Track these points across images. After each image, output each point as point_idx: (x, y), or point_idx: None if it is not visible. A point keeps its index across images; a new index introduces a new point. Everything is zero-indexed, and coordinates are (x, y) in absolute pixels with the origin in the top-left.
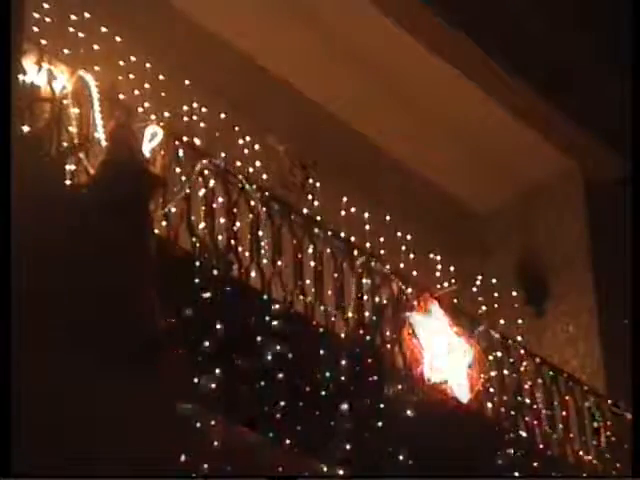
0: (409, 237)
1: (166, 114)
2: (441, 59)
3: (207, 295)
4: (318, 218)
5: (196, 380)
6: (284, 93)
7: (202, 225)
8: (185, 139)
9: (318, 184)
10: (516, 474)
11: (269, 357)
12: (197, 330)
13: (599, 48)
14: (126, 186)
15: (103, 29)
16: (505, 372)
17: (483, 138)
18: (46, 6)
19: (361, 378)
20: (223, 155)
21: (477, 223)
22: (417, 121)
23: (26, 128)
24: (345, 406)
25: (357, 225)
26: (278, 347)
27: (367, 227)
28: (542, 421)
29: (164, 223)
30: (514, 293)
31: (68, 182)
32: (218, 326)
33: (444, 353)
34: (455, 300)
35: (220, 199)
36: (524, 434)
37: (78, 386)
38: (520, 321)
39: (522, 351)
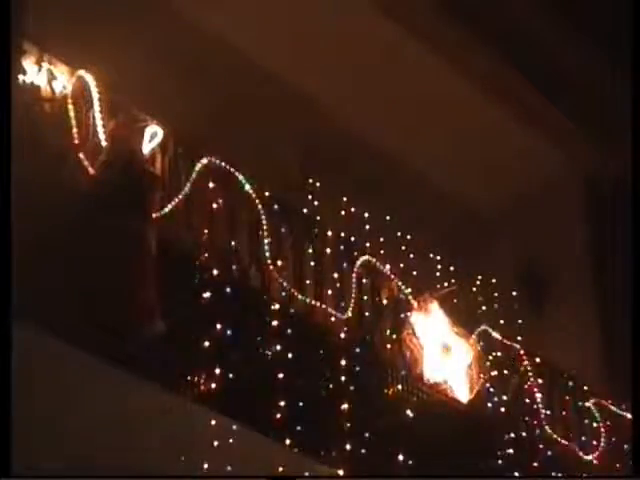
0: (409, 237)
1: (166, 114)
2: (441, 59)
3: (207, 295)
4: (318, 218)
5: (196, 380)
6: (284, 93)
7: (202, 225)
8: (185, 139)
9: (318, 184)
10: (516, 474)
11: (269, 357)
12: (197, 330)
13: (599, 48)
14: (126, 186)
15: (103, 29)
16: (505, 372)
17: (483, 138)
18: (46, 6)
19: (361, 378)
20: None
21: (477, 223)
22: (417, 121)
23: (26, 128)
24: (345, 406)
25: (357, 225)
26: (278, 347)
27: (367, 227)
28: (542, 421)
29: (164, 223)
30: (514, 293)
31: (68, 182)
32: (218, 326)
33: (444, 353)
34: (455, 300)
35: (220, 199)
36: (524, 434)
37: (78, 386)
38: (520, 321)
39: (522, 351)
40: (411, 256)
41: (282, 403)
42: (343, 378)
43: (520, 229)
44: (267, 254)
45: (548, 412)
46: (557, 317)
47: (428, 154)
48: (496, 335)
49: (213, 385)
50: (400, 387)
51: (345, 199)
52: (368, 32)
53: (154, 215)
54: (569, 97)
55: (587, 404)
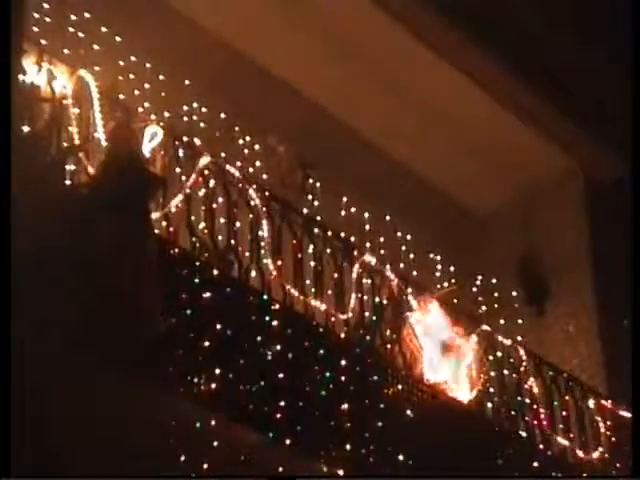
0: (409, 237)
1: (166, 114)
2: (442, 59)
3: (207, 295)
4: (318, 218)
5: (196, 380)
6: (284, 93)
7: (202, 225)
8: (185, 139)
9: (318, 184)
10: (516, 474)
11: (269, 357)
12: (197, 330)
13: (599, 48)
14: (126, 186)
15: (103, 29)
16: (505, 372)
17: (483, 138)
18: (46, 6)
19: (361, 378)
20: (223, 155)
21: (477, 223)
22: (417, 121)
23: (26, 128)
24: (345, 406)
25: (357, 225)
26: (278, 347)
27: (367, 227)
28: (542, 421)
29: (164, 223)
30: (514, 293)
31: (68, 182)
32: (218, 326)
33: (444, 353)
34: (455, 300)
35: (220, 199)
36: (524, 434)
37: (78, 386)
38: (520, 321)
39: (522, 351)
40: (411, 256)
41: (282, 403)
42: (343, 378)
43: (520, 229)
44: (267, 254)
45: (548, 412)
46: (557, 317)
47: (428, 154)
48: (496, 335)
49: (213, 385)
50: (400, 387)
51: (345, 199)
52: (369, 33)
53: (154, 215)
54: (569, 97)
55: (587, 404)
